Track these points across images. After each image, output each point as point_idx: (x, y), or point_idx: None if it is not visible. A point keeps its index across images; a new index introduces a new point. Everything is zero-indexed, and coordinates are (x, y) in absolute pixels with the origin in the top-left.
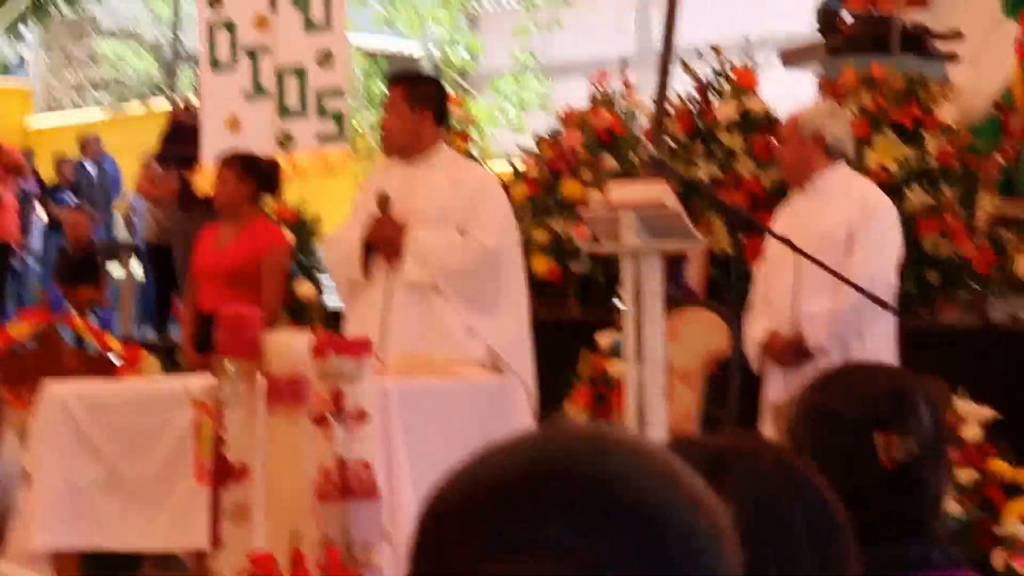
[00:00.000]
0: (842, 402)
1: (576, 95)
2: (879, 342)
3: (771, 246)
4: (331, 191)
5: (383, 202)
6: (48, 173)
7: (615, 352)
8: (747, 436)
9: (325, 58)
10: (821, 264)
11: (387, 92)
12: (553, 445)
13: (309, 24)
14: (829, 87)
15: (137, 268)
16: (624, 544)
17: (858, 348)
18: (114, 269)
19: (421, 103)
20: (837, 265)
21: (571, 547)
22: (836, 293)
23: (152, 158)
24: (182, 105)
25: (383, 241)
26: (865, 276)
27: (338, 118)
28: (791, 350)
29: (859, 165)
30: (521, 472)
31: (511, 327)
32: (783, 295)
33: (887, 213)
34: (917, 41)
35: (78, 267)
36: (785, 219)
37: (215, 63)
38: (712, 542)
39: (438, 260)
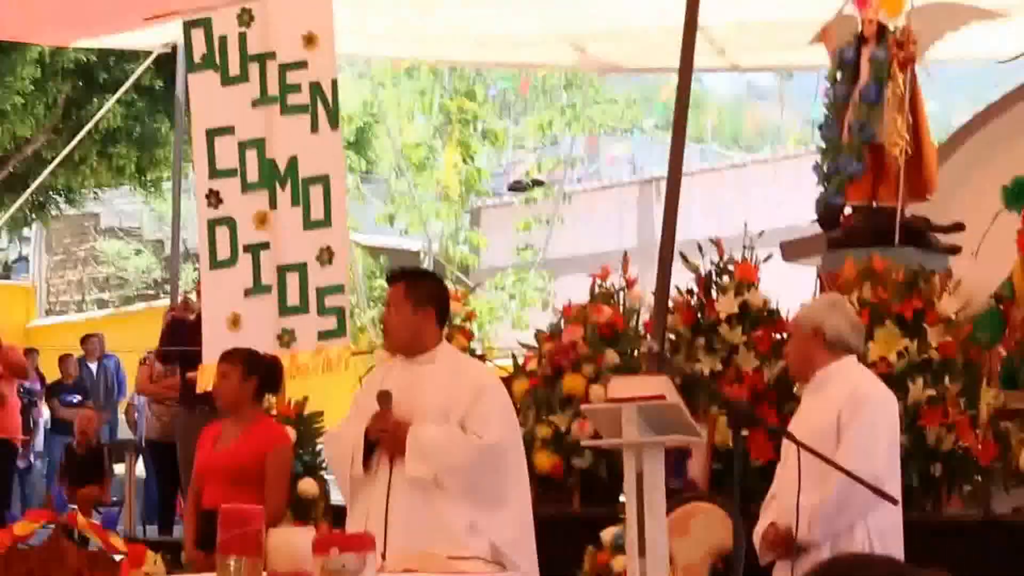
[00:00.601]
0: None
1: (577, 290)
2: (884, 536)
3: (784, 442)
4: (333, 387)
5: (384, 398)
6: (51, 372)
7: (618, 547)
8: None
9: (326, 255)
10: (817, 454)
11: (390, 288)
12: None
13: (309, 222)
14: (830, 280)
15: (140, 466)
16: None
17: (859, 540)
18: (117, 467)
19: (422, 301)
20: (831, 458)
21: None
22: (823, 485)
23: (153, 356)
24: (182, 303)
25: (384, 437)
26: (849, 468)
27: (339, 315)
28: (783, 543)
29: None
30: None
31: (514, 523)
32: (788, 489)
33: (876, 405)
34: (918, 234)
35: (85, 465)
36: (796, 414)
37: (215, 261)
38: None
39: (440, 456)
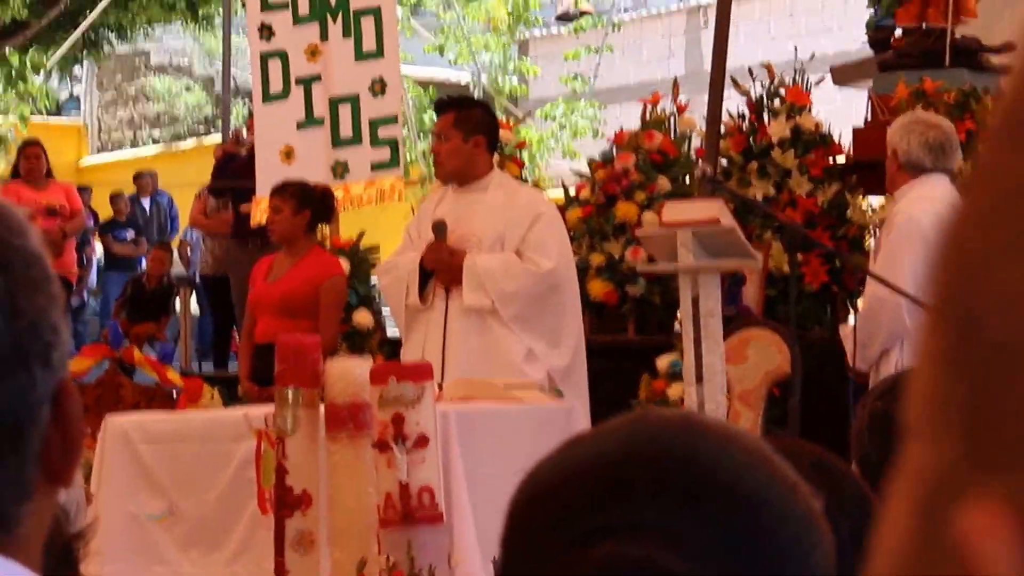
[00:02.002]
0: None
1: (627, 119)
2: None
3: None
4: (386, 219)
5: (439, 228)
6: (103, 209)
7: (674, 375)
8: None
9: (378, 86)
10: (871, 274)
11: (438, 118)
12: (645, 430)
13: (361, 53)
14: (882, 103)
15: (194, 302)
16: (720, 524)
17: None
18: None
19: (471, 128)
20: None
21: (669, 528)
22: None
23: (206, 191)
24: (233, 137)
25: (440, 267)
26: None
27: (392, 146)
28: None
29: None
30: (615, 456)
31: (570, 351)
32: None
33: (907, 225)
34: (970, 54)
35: (152, 301)
36: None
37: (267, 94)
38: (807, 527)
39: (496, 284)
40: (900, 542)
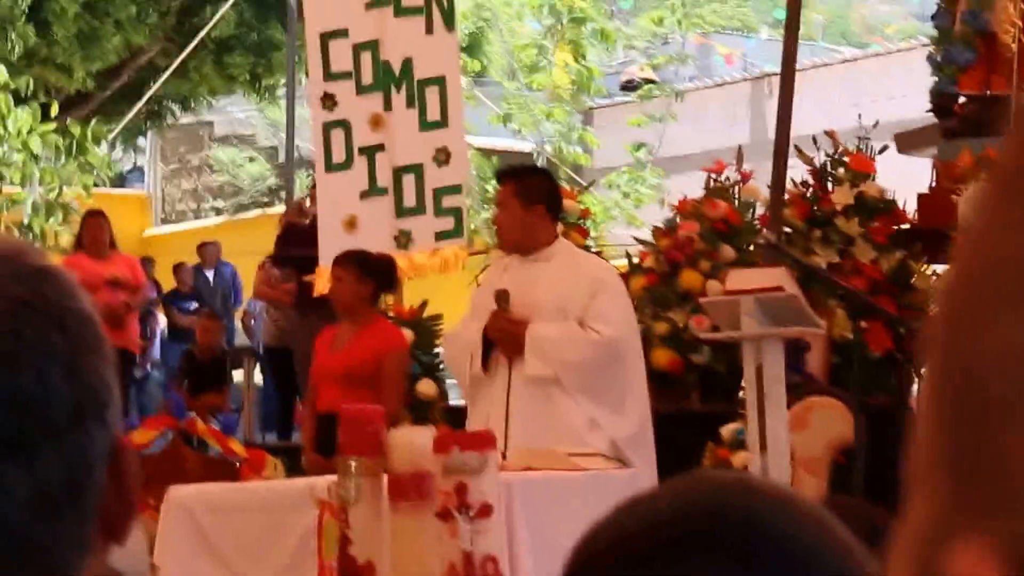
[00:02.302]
0: None
1: (691, 187)
2: None
3: None
4: (449, 288)
5: (502, 297)
6: (167, 280)
7: (738, 443)
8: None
9: (442, 156)
10: None
11: (500, 187)
12: (700, 489)
13: (425, 123)
14: (946, 171)
15: (258, 373)
16: None
17: None
18: (235, 374)
19: (532, 197)
20: None
21: None
22: None
23: (269, 261)
24: (296, 207)
25: (503, 336)
26: None
27: (456, 215)
28: None
29: None
30: (669, 515)
31: (633, 419)
32: None
33: None
34: None
35: (205, 372)
36: None
37: (330, 164)
38: None
39: (558, 353)
40: None
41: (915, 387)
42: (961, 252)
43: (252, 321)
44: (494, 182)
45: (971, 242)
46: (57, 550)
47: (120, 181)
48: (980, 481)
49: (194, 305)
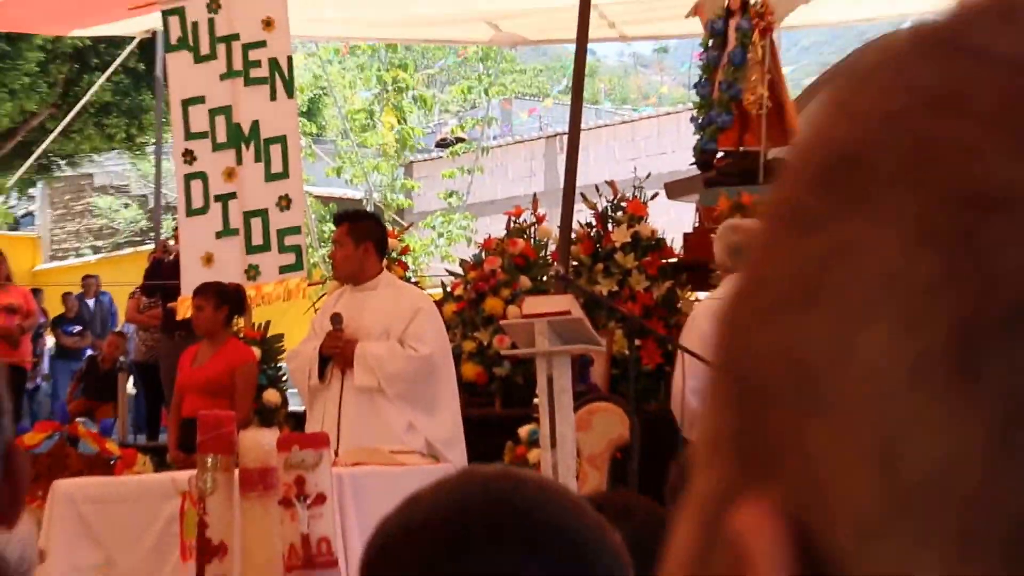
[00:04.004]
0: None
1: (495, 228)
2: None
3: None
4: (291, 313)
5: (336, 320)
6: (54, 307)
7: (533, 442)
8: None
9: (284, 202)
10: (698, 356)
11: (336, 228)
12: (473, 484)
13: (270, 175)
14: (706, 214)
15: (130, 384)
16: (556, 563)
17: None
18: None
19: (362, 237)
20: None
21: (514, 573)
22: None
23: (139, 291)
24: (161, 246)
25: (336, 353)
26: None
27: (297, 252)
28: None
29: None
30: (453, 509)
31: (446, 423)
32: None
33: (689, 321)
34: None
35: (103, 381)
36: None
37: (191, 209)
38: (616, 557)
39: (382, 367)
40: (684, 547)
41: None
42: (741, 272)
43: (126, 341)
44: (331, 224)
45: (747, 263)
46: None
47: (15, 224)
48: (756, 453)
49: (77, 328)
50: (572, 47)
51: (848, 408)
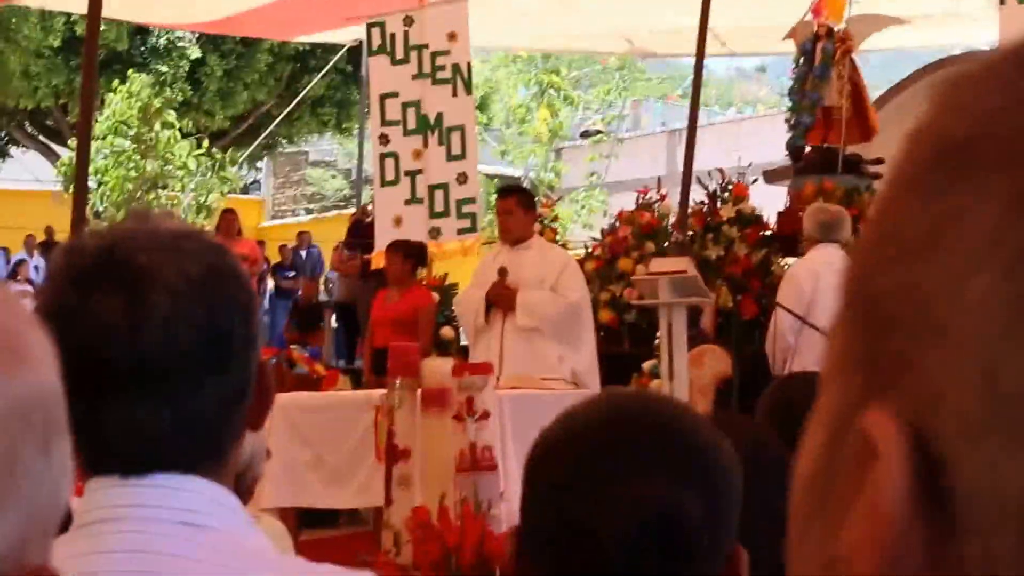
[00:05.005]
0: (792, 391)
1: (626, 203)
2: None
3: None
4: (466, 266)
5: (503, 272)
6: (274, 256)
7: (655, 374)
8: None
9: (462, 178)
10: (788, 310)
11: (504, 200)
12: (615, 401)
13: (450, 156)
14: (796, 196)
15: (333, 319)
16: (699, 470)
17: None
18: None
19: (528, 207)
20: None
21: (669, 476)
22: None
23: (342, 245)
24: (360, 210)
25: (501, 299)
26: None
27: (472, 218)
28: None
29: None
30: (599, 419)
31: (587, 357)
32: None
33: (786, 277)
34: (854, 165)
35: (309, 315)
36: None
37: (384, 181)
38: (738, 475)
39: (540, 310)
40: (816, 446)
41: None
42: (867, 227)
43: (330, 285)
44: (494, 196)
45: (873, 220)
46: (225, 435)
47: (245, 189)
48: (880, 370)
49: (292, 273)
50: (691, 60)
51: (958, 334)
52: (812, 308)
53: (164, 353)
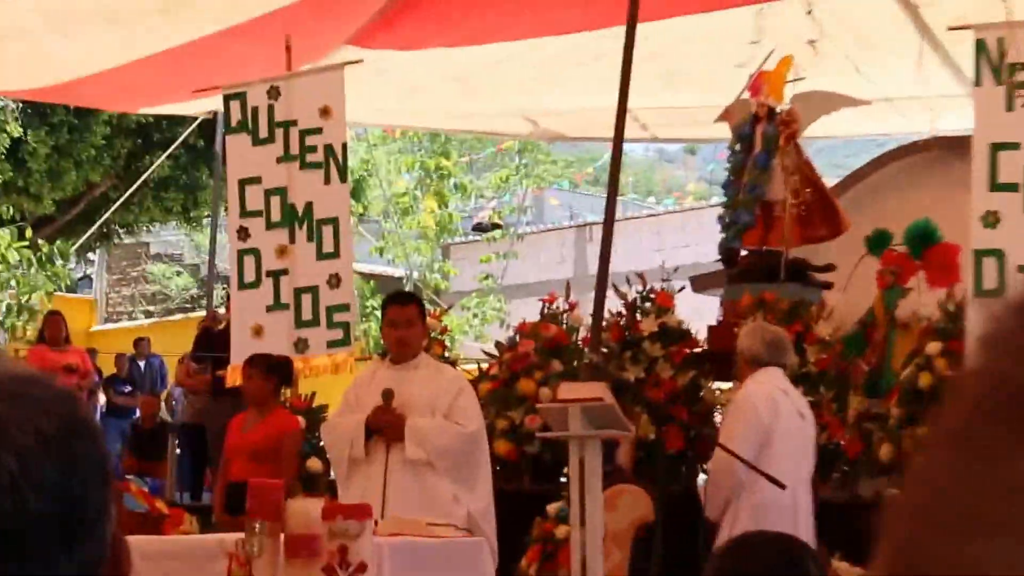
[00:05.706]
0: (747, 564)
1: (527, 311)
2: (761, 510)
3: None
4: (337, 386)
5: (387, 395)
6: (108, 367)
7: (562, 518)
8: None
9: (334, 280)
10: (720, 445)
11: (404, 308)
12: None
13: (321, 254)
14: (730, 308)
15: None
16: None
17: (743, 516)
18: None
19: (423, 318)
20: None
21: None
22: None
23: (189, 357)
24: (211, 316)
25: (386, 426)
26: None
27: (345, 328)
28: None
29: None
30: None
31: (484, 497)
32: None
33: (742, 402)
34: (799, 272)
35: (150, 440)
36: None
37: (243, 283)
38: None
39: (433, 441)
40: None
41: (700, 478)
42: (917, 486)
43: (174, 403)
44: (371, 299)
45: (925, 480)
46: None
47: (73, 287)
48: None
49: (128, 388)
50: (603, 144)
51: None
52: (770, 439)
53: (13, 519)
